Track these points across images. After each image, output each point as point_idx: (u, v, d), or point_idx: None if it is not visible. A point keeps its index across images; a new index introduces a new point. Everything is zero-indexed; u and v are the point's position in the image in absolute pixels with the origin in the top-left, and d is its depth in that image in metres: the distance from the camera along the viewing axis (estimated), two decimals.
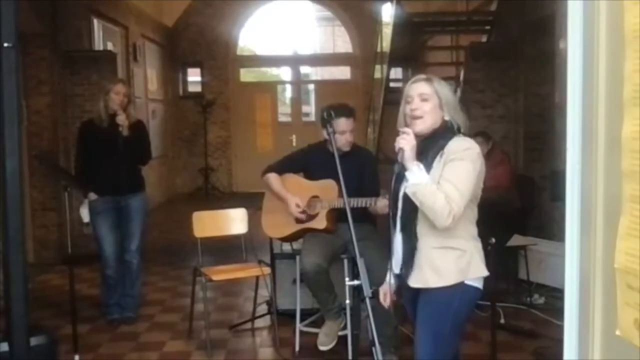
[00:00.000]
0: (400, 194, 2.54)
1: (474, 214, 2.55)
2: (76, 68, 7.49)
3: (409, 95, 2.55)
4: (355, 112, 4.16)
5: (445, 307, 2.50)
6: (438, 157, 2.46)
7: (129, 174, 4.78)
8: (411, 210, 2.46)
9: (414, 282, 2.51)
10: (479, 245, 2.57)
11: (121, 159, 4.65)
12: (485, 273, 2.55)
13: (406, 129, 2.47)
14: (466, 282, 2.49)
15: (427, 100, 2.52)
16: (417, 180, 2.39)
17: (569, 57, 1.60)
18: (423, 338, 2.56)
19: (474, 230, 2.56)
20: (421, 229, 2.47)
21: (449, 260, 2.48)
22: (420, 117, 2.51)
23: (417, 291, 2.56)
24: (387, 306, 2.74)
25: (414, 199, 2.40)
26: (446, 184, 2.40)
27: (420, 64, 10.32)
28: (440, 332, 2.53)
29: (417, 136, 2.47)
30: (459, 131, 2.55)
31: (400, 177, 2.55)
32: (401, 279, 2.58)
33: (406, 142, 2.41)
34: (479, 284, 2.54)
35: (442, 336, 2.54)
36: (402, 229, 2.52)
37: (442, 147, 2.47)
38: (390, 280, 2.73)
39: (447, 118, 2.53)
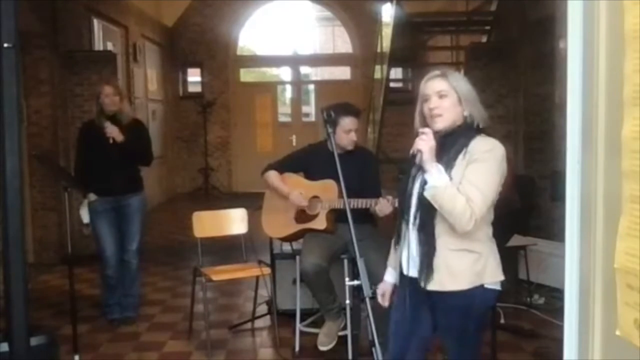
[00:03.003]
0: (414, 193, 2.46)
1: (490, 215, 2.47)
2: (76, 68, 7.49)
3: (426, 93, 2.46)
4: (360, 112, 4.17)
5: (466, 312, 2.44)
6: (461, 156, 2.37)
7: (126, 175, 4.78)
8: (430, 210, 2.37)
9: (431, 285, 2.42)
10: (494, 247, 2.50)
11: (118, 160, 4.65)
12: (501, 277, 2.47)
13: (425, 129, 2.38)
14: (485, 285, 2.43)
15: (445, 96, 2.43)
16: (436, 183, 2.31)
17: (569, 57, 1.60)
18: (449, 343, 2.53)
19: (490, 231, 2.49)
20: (439, 229, 2.39)
21: (466, 263, 2.40)
22: (440, 115, 2.42)
23: (428, 295, 2.46)
24: (386, 306, 2.72)
25: (432, 202, 2.33)
26: (469, 186, 2.32)
27: (420, 64, 10.35)
28: (465, 334, 2.50)
29: (437, 133, 2.39)
30: (479, 128, 2.46)
31: (413, 174, 2.49)
32: (410, 280, 2.51)
33: (424, 144, 2.33)
34: (498, 285, 2.47)
35: (467, 340, 2.51)
36: (420, 229, 2.42)
37: (465, 145, 2.38)
38: (389, 279, 2.71)
39: (466, 114, 2.44)
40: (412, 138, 2.48)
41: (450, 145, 2.40)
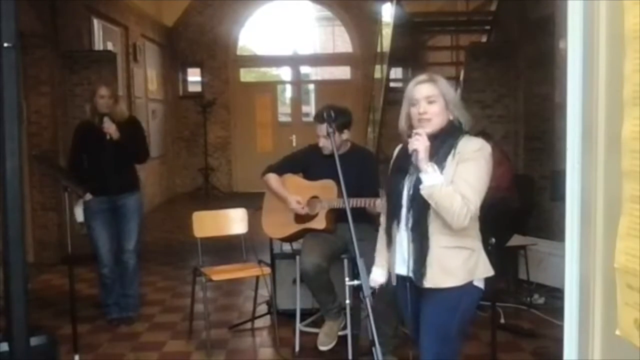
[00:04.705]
0: (405, 193, 2.51)
1: (477, 211, 2.52)
2: (76, 68, 7.48)
3: (415, 97, 2.51)
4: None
5: (453, 308, 2.49)
6: (450, 157, 2.43)
7: (122, 174, 4.78)
8: (422, 209, 2.43)
9: (426, 282, 2.47)
10: (481, 243, 2.57)
11: (113, 159, 4.65)
12: (491, 272, 2.55)
13: (419, 130, 2.43)
14: (474, 282, 2.50)
15: (434, 102, 2.48)
16: (432, 182, 2.36)
17: (569, 57, 1.60)
18: (429, 338, 2.54)
19: (478, 227, 2.55)
20: (432, 228, 2.44)
21: (460, 260, 2.47)
22: (428, 120, 2.47)
23: (421, 292, 2.52)
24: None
25: (429, 201, 2.38)
26: (462, 184, 2.38)
27: (420, 64, 10.34)
28: (447, 332, 2.52)
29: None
30: (463, 130, 2.52)
31: (402, 175, 2.53)
32: (403, 279, 2.55)
33: (420, 144, 2.38)
34: (482, 284, 2.55)
35: (449, 337, 2.53)
36: (413, 228, 2.48)
37: (453, 146, 2.45)
38: (378, 279, 2.74)
39: (451, 118, 2.51)
40: (399, 139, 2.53)
41: (439, 146, 2.46)
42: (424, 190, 2.38)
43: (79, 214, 4.77)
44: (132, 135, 4.76)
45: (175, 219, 9.74)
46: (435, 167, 2.39)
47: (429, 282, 2.46)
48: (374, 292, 2.64)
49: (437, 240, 2.44)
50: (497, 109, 7.76)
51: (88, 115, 4.76)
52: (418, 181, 2.43)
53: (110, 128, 4.57)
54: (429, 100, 2.48)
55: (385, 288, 2.81)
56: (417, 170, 2.42)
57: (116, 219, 4.83)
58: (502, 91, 7.79)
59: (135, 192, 4.91)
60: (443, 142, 2.47)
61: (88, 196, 4.70)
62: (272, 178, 4.20)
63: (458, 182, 2.39)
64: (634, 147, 1.28)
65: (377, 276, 2.76)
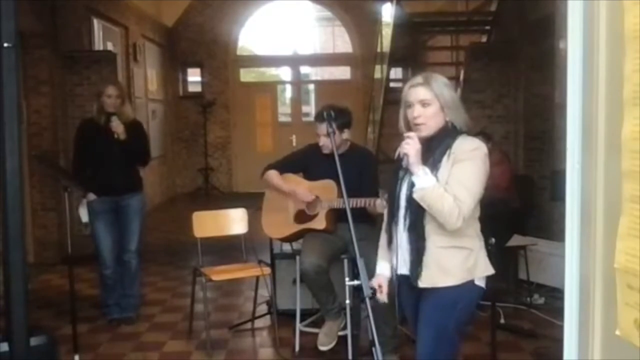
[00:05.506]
0: (403, 194, 2.52)
1: (477, 211, 2.53)
2: (76, 68, 7.49)
3: (409, 101, 2.51)
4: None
5: (451, 306, 2.50)
6: (446, 157, 2.44)
7: (126, 174, 4.78)
8: (418, 211, 2.44)
9: (422, 282, 2.48)
10: (482, 243, 2.57)
11: (118, 159, 4.65)
12: (492, 271, 2.55)
13: (410, 134, 2.45)
14: (475, 281, 2.50)
15: (428, 105, 2.47)
16: (423, 185, 2.38)
17: (569, 57, 1.60)
18: (425, 336, 2.55)
19: (478, 227, 2.55)
20: (429, 229, 2.45)
21: (457, 259, 2.47)
22: (423, 124, 2.47)
23: (420, 291, 2.53)
24: (383, 300, 2.68)
25: (421, 204, 2.39)
26: (456, 185, 2.38)
27: (420, 64, 10.34)
28: (443, 330, 2.53)
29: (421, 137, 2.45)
30: (461, 130, 2.51)
31: (400, 177, 2.54)
32: (404, 278, 2.56)
33: (410, 147, 2.40)
34: (483, 283, 2.55)
35: (444, 335, 2.53)
36: (410, 229, 2.49)
37: (449, 146, 2.44)
38: (384, 272, 2.71)
39: (447, 119, 2.50)
40: (399, 139, 2.53)
41: (435, 147, 2.47)
42: (415, 194, 2.40)
43: (84, 215, 4.77)
44: (136, 137, 4.76)
45: (175, 219, 9.74)
46: (427, 170, 2.39)
47: (425, 281, 2.48)
48: (374, 292, 2.64)
49: (434, 241, 2.45)
50: (497, 109, 7.76)
51: (94, 113, 4.74)
52: (412, 184, 2.44)
53: (118, 127, 4.57)
54: (423, 103, 2.47)
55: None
56: (409, 173, 2.44)
57: (119, 220, 4.83)
58: (502, 91, 7.79)
59: (138, 193, 4.91)
60: (440, 143, 2.47)
61: (91, 196, 4.70)
62: (273, 174, 4.19)
63: (452, 183, 2.39)
64: (634, 147, 1.28)
65: (383, 270, 2.70)
